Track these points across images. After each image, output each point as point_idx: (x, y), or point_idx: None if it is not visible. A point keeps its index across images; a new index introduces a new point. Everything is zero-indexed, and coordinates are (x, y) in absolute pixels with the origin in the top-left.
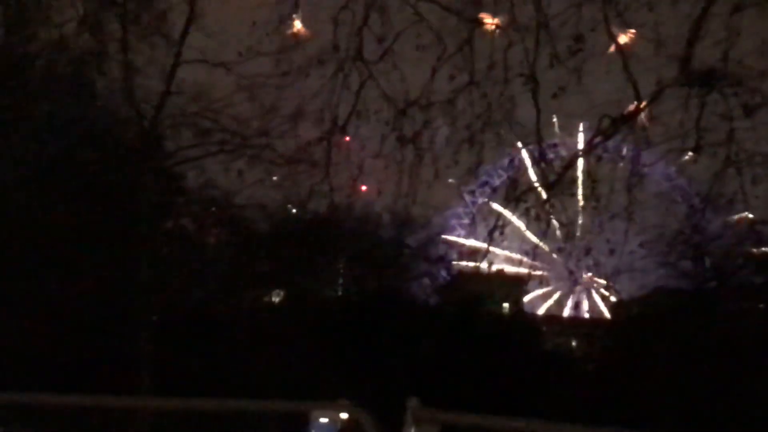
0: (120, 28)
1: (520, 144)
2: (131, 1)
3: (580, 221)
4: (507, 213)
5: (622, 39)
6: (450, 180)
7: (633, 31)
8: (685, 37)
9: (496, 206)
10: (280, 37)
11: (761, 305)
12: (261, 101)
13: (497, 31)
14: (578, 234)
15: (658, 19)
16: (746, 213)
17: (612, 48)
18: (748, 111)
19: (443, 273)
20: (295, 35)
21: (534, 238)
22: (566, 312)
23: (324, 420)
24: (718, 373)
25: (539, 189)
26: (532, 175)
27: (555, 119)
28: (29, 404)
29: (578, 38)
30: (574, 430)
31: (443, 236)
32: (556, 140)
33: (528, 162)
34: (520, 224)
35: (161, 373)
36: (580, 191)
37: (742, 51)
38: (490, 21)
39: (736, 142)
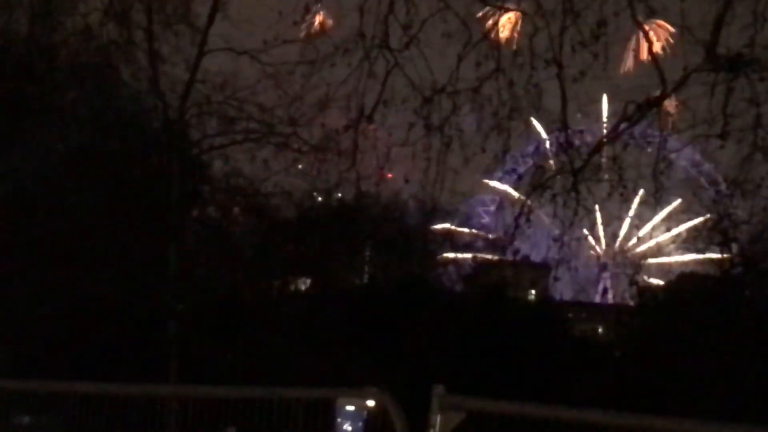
0: (145, 17)
1: (546, 131)
2: None
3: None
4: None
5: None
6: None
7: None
8: (711, 22)
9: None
10: (305, 26)
11: None
12: (286, 90)
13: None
14: (605, 220)
15: (684, 5)
16: None
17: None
18: None
19: (469, 260)
20: (321, 24)
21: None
22: (593, 298)
23: (350, 408)
24: (744, 359)
25: (565, 175)
26: (559, 162)
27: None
28: (58, 392)
29: (601, 23)
30: (599, 416)
31: (470, 223)
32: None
33: (554, 148)
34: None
35: (189, 362)
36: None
37: None
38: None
39: (762, 127)
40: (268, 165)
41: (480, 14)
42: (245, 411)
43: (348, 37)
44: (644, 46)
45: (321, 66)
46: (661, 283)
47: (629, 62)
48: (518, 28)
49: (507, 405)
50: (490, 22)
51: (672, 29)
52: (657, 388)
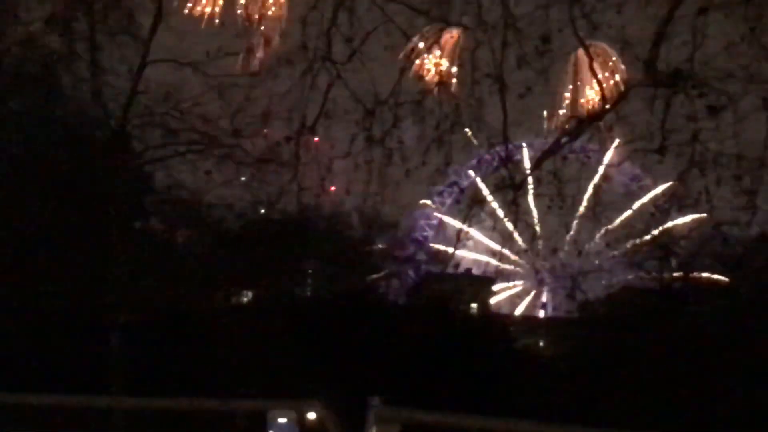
0: (88, 28)
1: (487, 145)
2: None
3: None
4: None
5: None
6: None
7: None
8: (650, 38)
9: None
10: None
11: (727, 305)
12: (229, 101)
13: (465, 31)
14: (545, 234)
15: (624, 21)
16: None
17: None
18: (713, 112)
19: (412, 273)
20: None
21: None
22: (534, 312)
23: (282, 420)
24: (685, 371)
25: (506, 190)
26: (500, 176)
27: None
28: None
29: (545, 39)
30: (533, 426)
31: (412, 236)
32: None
33: (495, 162)
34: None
35: (132, 374)
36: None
37: (708, 52)
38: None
39: (700, 142)
40: (210, 177)
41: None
42: (188, 422)
43: (291, 50)
44: (585, 61)
45: (264, 78)
46: (601, 297)
47: (570, 78)
48: (460, 43)
49: (442, 417)
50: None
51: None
52: (597, 401)
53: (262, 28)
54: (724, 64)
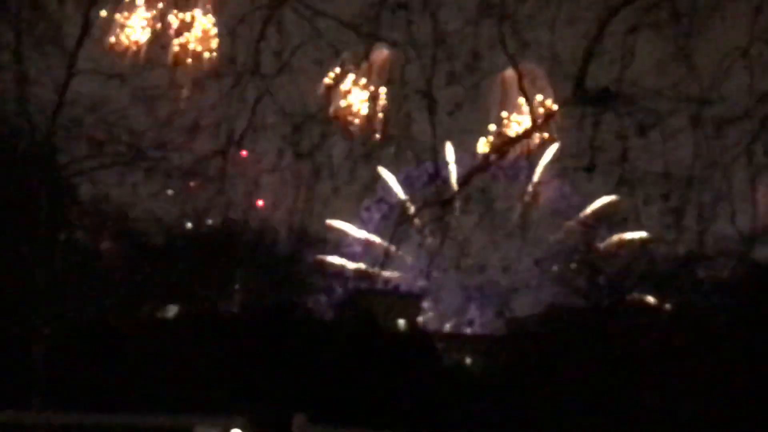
0: (14, 38)
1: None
2: (25, 9)
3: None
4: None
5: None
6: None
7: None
8: (580, 56)
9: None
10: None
11: (655, 323)
12: (157, 114)
13: (394, 47)
14: (473, 251)
15: (554, 38)
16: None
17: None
18: (642, 130)
19: (339, 289)
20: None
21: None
22: (462, 329)
23: None
24: (612, 389)
25: (434, 206)
26: (428, 192)
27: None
28: None
29: (475, 56)
30: None
31: (340, 252)
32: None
33: (424, 179)
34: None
35: (55, 388)
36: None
37: (637, 71)
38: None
39: (629, 161)
40: (137, 189)
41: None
42: None
43: (219, 62)
44: (515, 79)
45: (191, 90)
46: (530, 314)
47: (499, 95)
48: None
49: None
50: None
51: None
52: (523, 418)
53: (191, 40)
54: (653, 82)
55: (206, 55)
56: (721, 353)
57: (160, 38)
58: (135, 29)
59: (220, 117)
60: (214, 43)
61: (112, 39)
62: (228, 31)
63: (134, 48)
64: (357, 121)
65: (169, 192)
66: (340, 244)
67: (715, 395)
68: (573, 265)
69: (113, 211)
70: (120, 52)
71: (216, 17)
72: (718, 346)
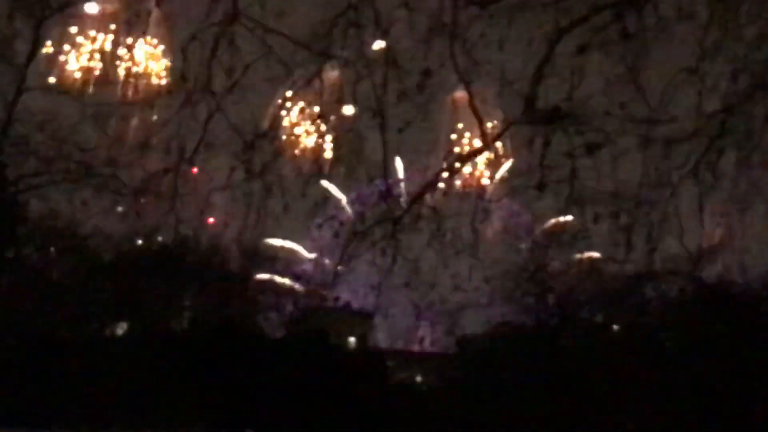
0: None
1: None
2: None
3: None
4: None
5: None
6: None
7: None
8: (530, 76)
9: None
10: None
11: (603, 342)
12: (107, 130)
13: (346, 65)
14: (424, 269)
15: (505, 58)
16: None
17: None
18: (591, 150)
19: (290, 306)
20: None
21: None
22: (412, 346)
23: None
24: (560, 407)
25: (385, 224)
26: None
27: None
28: None
29: (426, 73)
30: None
31: (291, 269)
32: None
33: (375, 197)
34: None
35: (3, 403)
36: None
37: (586, 91)
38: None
39: (579, 180)
40: (87, 206)
41: None
42: None
43: (171, 79)
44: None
45: (142, 107)
46: (479, 332)
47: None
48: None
49: None
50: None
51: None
52: None
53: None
54: (603, 102)
55: (155, 72)
56: (668, 371)
57: (110, 56)
58: (85, 46)
59: (171, 134)
60: (163, 63)
61: (63, 57)
62: (180, 48)
63: (85, 65)
64: (308, 139)
65: (119, 209)
66: (290, 261)
67: (663, 412)
68: (522, 284)
69: (63, 228)
70: (70, 69)
71: (167, 36)
72: (665, 364)
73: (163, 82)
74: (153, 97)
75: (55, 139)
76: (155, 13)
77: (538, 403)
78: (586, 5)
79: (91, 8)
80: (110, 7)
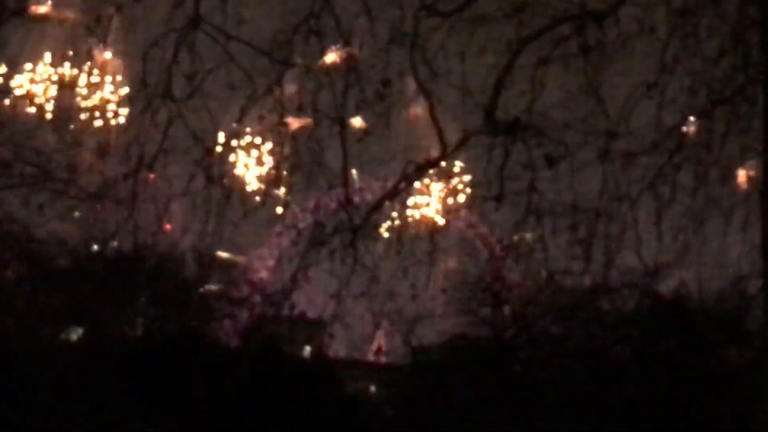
0: None
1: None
2: None
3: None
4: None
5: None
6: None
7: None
8: (491, 86)
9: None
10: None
11: (559, 354)
12: (65, 135)
13: (307, 72)
14: (382, 279)
15: (465, 68)
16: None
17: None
18: (551, 161)
19: (245, 315)
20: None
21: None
22: (368, 357)
23: None
24: (513, 421)
25: (344, 232)
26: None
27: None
28: None
29: (386, 83)
30: None
31: (247, 277)
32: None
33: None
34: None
35: None
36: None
37: (547, 103)
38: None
39: (537, 191)
40: (43, 211)
41: None
42: None
43: (130, 85)
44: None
45: (101, 112)
46: (435, 343)
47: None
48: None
49: None
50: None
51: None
52: None
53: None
54: (563, 115)
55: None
56: (622, 386)
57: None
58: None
59: (131, 140)
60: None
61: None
62: (140, 54)
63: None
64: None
65: (76, 214)
66: (247, 269)
67: (615, 427)
68: (478, 295)
69: (18, 233)
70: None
71: (126, 42)
72: (619, 378)
73: (124, 88)
74: (112, 102)
75: (12, 142)
76: (115, 19)
77: (492, 416)
78: (547, 18)
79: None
80: (70, 12)
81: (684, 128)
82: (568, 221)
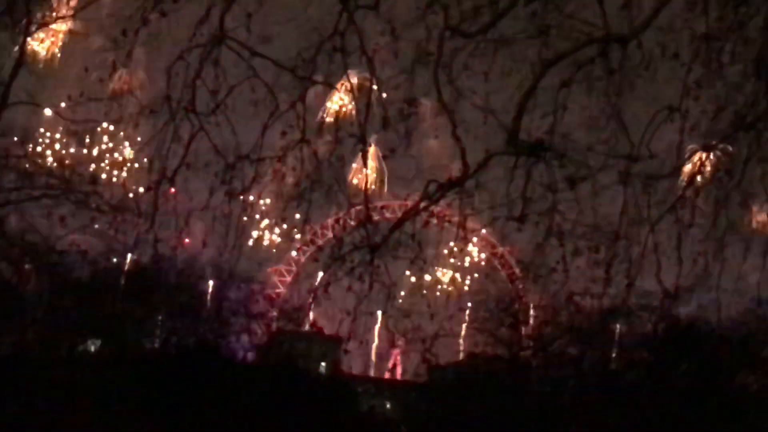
0: None
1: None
2: None
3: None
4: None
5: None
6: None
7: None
8: (514, 107)
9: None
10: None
11: (575, 375)
12: (89, 148)
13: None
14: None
15: (489, 89)
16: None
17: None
18: (572, 183)
19: (263, 329)
20: (128, 83)
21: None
22: (385, 374)
23: None
24: None
25: (364, 250)
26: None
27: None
28: None
29: (410, 102)
30: None
31: (265, 292)
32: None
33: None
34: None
35: None
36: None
37: (569, 125)
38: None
39: (559, 213)
40: (65, 223)
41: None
42: None
43: (154, 99)
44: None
45: (125, 126)
46: (452, 361)
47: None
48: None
49: None
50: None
51: None
52: None
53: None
54: (585, 137)
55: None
56: (637, 406)
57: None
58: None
59: (153, 153)
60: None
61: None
62: (165, 67)
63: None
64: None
65: (96, 226)
66: (266, 284)
67: None
68: (497, 315)
69: (39, 244)
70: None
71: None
72: (634, 399)
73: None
74: (137, 116)
75: (37, 154)
76: (141, 32)
77: None
78: (571, 40)
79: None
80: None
81: (705, 153)
82: (589, 243)
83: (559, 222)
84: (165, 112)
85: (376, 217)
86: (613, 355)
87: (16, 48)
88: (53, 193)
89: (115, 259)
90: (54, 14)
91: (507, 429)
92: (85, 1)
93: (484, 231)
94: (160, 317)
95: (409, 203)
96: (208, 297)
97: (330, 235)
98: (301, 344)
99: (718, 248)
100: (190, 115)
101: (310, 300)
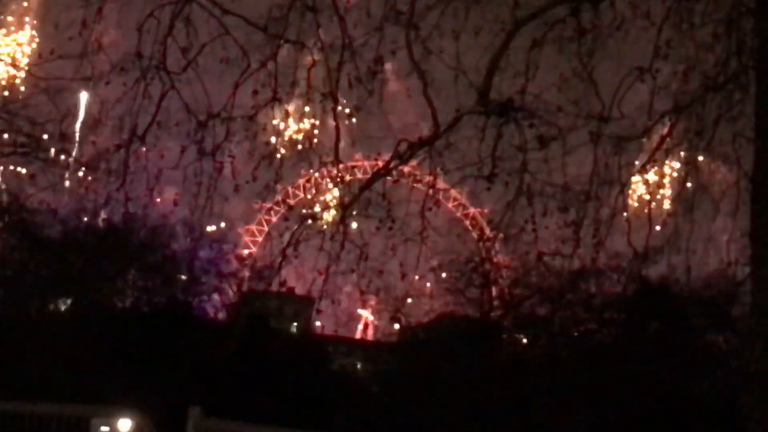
0: None
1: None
2: None
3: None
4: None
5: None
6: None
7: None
8: (485, 67)
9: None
10: (82, 41)
11: (544, 336)
12: (59, 105)
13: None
14: (371, 256)
15: (459, 48)
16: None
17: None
18: (543, 143)
19: (234, 289)
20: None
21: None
22: (354, 333)
23: (105, 428)
24: (500, 398)
25: (335, 209)
26: (329, 196)
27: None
28: None
29: (378, 60)
30: None
31: (236, 252)
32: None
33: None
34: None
35: None
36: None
37: (540, 85)
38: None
39: (529, 173)
40: (34, 181)
41: None
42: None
43: (125, 57)
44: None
45: (95, 83)
46: (422, 321)
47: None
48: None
49: (258, 428)
50: None
51: None
52: (411, 422)
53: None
54: (556, 97)
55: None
56: (606, 367)
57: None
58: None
59: (124, 111)
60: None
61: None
62: (135, 25)
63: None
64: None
65: (66, 184)
66: (237, 244)
67: (600, 409)
68: (467, 275)
69: (8, 202)
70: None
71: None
72: (603, 359)
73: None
74: (107, 73)
75: (6, 111)
76: None
77: (477, 395)
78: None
79: None
80: None
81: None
82: (559, 203)
83: (528, 182)
84: (136, 70)
85: (347, 177)
86: (583, 315)
87: None
88: (23, 150)
89: (85, 218)
90: None
91: (478, 389)
92: None
93: (454, 191)
94: (131, 276)
95: (380, 163)
96: (179, 257)
97: (301, 194)
98: (273, 304)
99: (687, 209)
100: (161, 73)
101: (281, 259)
